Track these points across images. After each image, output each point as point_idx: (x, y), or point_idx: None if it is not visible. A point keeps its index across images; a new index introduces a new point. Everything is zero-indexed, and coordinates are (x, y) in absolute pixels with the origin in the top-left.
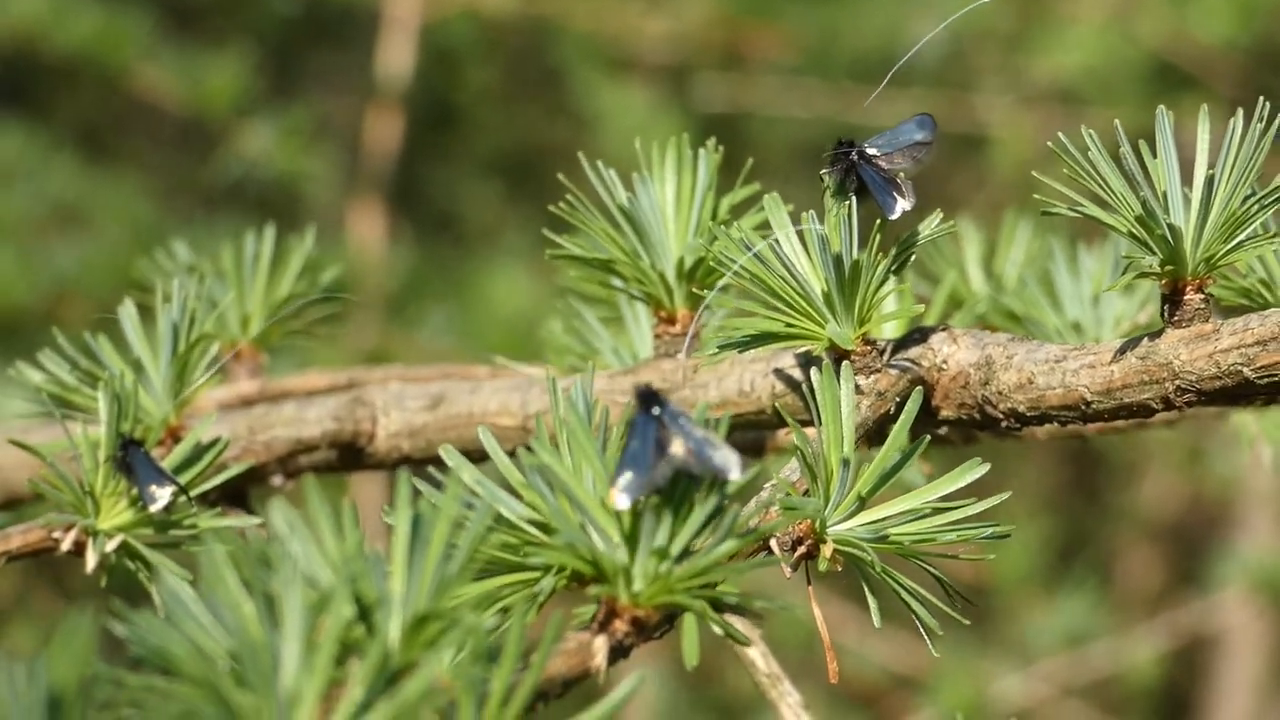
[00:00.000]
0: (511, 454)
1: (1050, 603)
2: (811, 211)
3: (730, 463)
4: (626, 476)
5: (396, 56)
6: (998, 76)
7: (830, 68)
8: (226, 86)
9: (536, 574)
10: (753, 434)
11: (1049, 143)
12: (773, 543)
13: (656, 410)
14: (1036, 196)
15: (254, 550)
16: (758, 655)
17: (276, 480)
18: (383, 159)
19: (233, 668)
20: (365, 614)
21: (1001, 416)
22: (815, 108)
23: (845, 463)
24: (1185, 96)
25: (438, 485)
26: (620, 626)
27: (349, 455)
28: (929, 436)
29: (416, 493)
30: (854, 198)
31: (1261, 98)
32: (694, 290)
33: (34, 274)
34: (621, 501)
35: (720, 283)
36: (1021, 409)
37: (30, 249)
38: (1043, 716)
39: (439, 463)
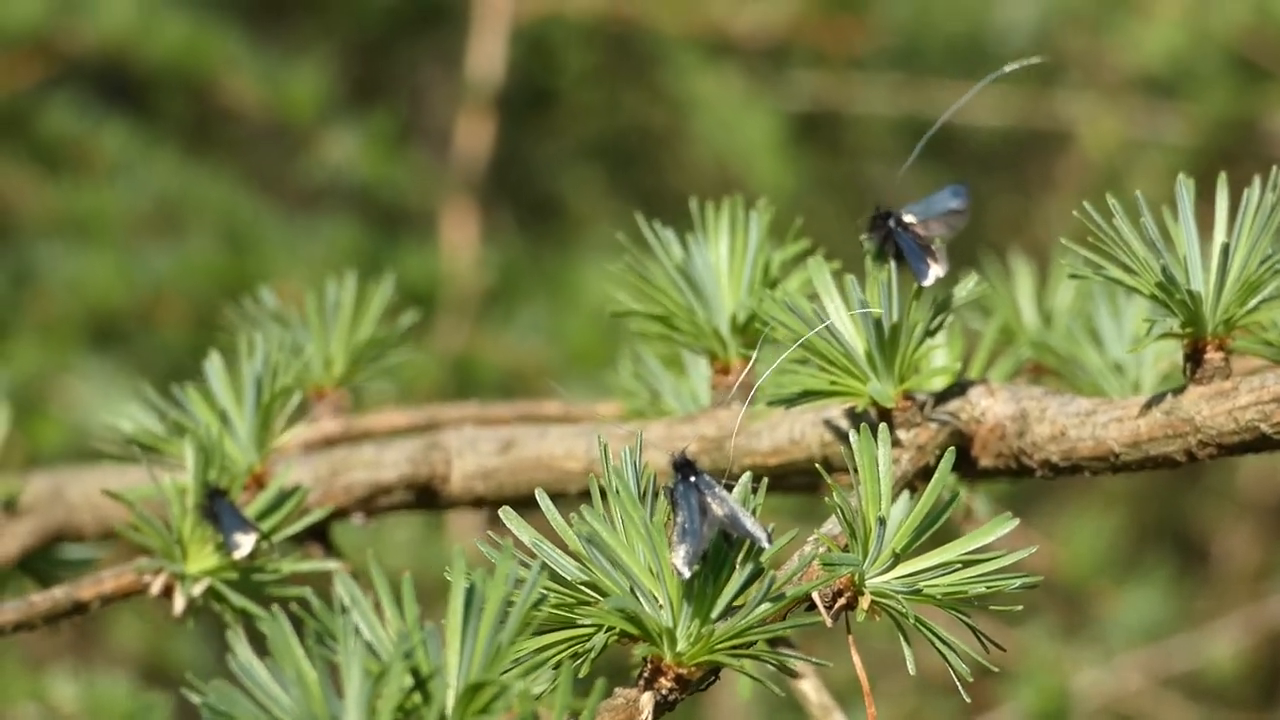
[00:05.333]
0: (577, 497)
1: (1138, 590)
2: (852, 276)
3: (761, 534)
4: (683, 549)
5: (488, 50)
6: (1078, 69)
7: (922, 54)
8: (308, 94)
9: (589, 631)
10: (807, 478)
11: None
12: (815, 595)
13: (693, 479)
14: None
15: (317, 624)
16: (810, 689)
17: (357, 519)
18: (476, 157)
19: None
20: (422, 683)
21: (1036, 466)
22: (903, 104)
23: (881, 521)
24: (1267, 88)
25: (497, 547)
26: (665, 683)
27: (425, 496)
28: (960, 495)
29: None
30: (893, 262)
31: (1276, 167)
32: (744, 347)
33: (132, 275)
34: (684, 573)
35: (763, 341)
36: (1055, 459)
37: (129, 250)
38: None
39: (511, 503)
